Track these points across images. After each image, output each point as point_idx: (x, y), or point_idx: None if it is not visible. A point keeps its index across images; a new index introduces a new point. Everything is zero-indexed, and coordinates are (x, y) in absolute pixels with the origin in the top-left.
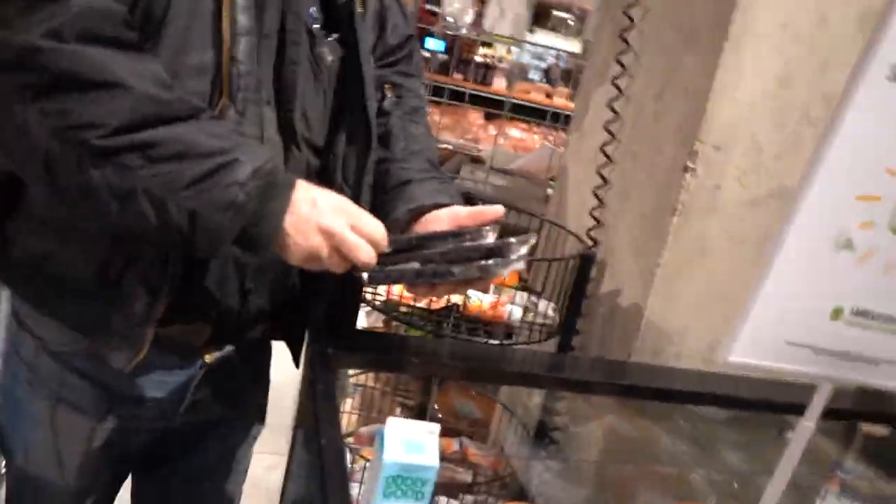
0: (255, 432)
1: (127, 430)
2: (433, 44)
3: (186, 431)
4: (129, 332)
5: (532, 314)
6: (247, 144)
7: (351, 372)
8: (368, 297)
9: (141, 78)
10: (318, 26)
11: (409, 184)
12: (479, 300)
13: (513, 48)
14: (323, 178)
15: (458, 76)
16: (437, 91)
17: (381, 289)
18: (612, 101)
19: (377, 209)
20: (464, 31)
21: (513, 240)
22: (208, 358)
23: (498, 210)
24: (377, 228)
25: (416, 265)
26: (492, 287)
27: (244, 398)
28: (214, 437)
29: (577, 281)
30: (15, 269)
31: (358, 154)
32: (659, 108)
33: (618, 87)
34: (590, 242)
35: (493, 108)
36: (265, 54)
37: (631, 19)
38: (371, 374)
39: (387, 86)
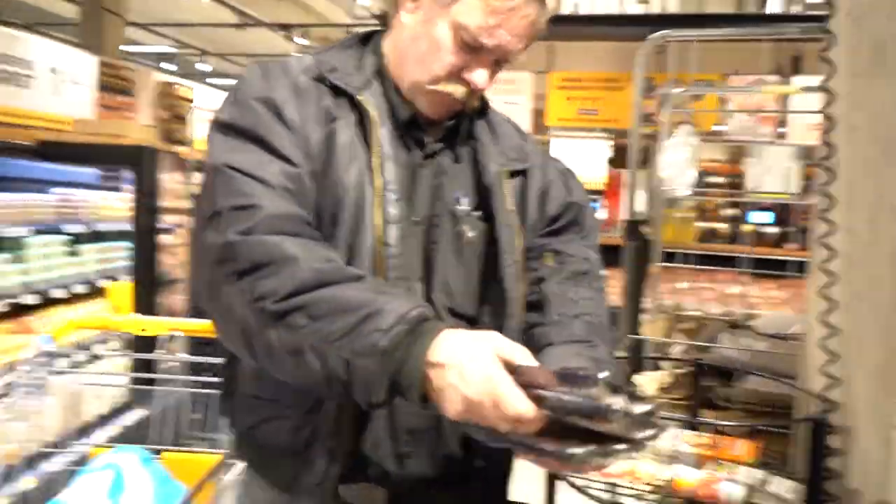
0: None
1: None
2: (760, 217)
3: None
4: (314, 488)
5: (761, 495)
6: (395, 296)
7: None
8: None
9: (307, 254)
10: (464, 207)
11: (546, 348)
12: (685, 478)
13: None
14: None
15: (791, 245)
16: (772, 264)
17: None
18: (823, 237)
19: None
20: (685, 193)
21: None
22: None
23: None
24: (520, 408)
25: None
26: (708, 461)
27: None
28: None
29: (813, 453)
30: (237, 437)
31: (498, 322)
32: (872, 236)
33: (827, 220)
34: (825, 406)
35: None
36: (415, 238)
37: (829, 146)
38: None
39: (547, 253)
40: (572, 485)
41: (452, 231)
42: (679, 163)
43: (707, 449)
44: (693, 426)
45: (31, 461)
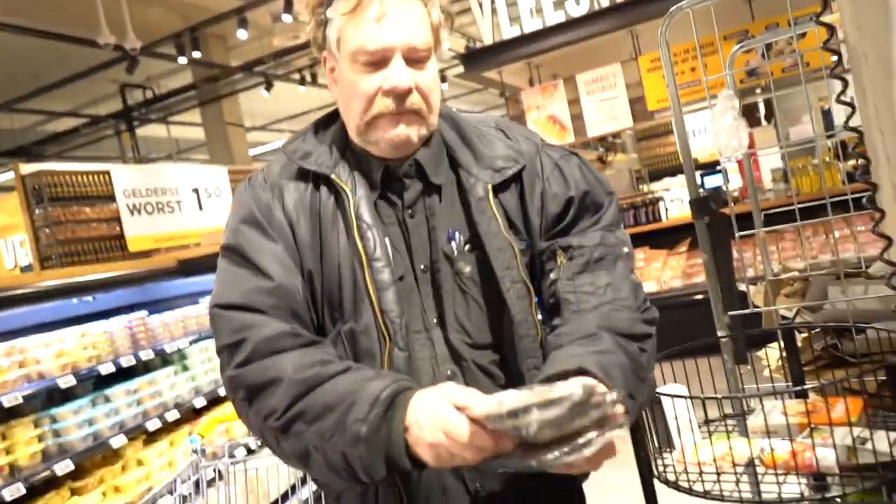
0: None
1: None
2: None
3: None
4: None
5: (862, 453)
6: (372, 380)
7: None
8: (661, 468)
9: (295, 367)
10: (456, 243)
11: (554, 351)
12: (776, 452)
13: None
14: (504, 369)
15: None
16: None
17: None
18: None
19: None
20: (738, 155)
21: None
22: None
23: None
24: (461, 431)
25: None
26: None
27: None
28: None
29: None
30: None
31: (517, 344)
32: None
33: None
34: None
35: None
36: (424, 287)
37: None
38: None
39: (557, 253)
40: (665, 482)
41: (451, 271)
42: (728, 128)
43: (805, 415)
44: (798, 393)
45: None
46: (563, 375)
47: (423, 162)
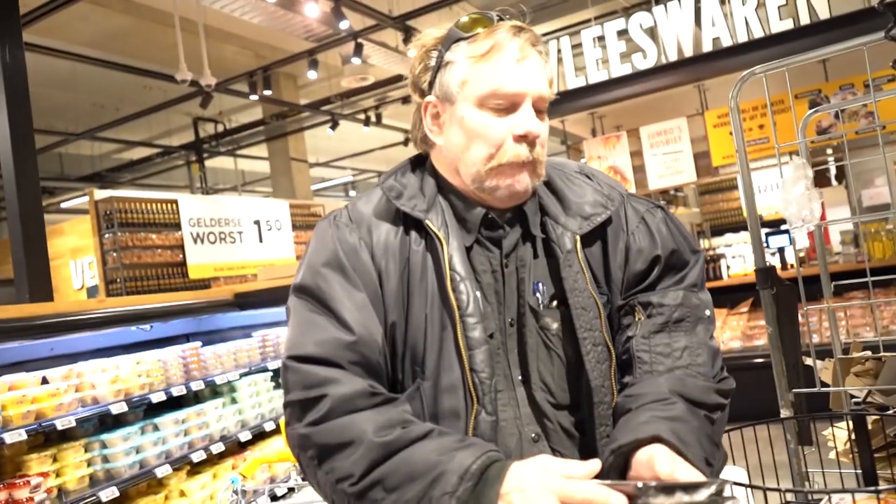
0: None
1: None
2: None
3: None
4: None
5: None
6: (457, 451)
7: None
8: None
9: (374, 429)
10: (542, 296)
11: (626, 415)
12: None
13: None
14: (581, 431)
15: None
16: None
17: None
18: None
19: None
20: (810, 227)
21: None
22: None
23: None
24: (592, 493)
25: None
26: None
27: None
28: None
29: None
30: None
31: (589, 406)
32: None
33: None
34: None
35: None
36: (510, 342)
37: None
38: None
39: (636, 308)
40: None
41: (537, 327)
42: (799, 198)
43: None
44: (869, 484)
45: None
46: (637, 444)
47: (528, 212)
